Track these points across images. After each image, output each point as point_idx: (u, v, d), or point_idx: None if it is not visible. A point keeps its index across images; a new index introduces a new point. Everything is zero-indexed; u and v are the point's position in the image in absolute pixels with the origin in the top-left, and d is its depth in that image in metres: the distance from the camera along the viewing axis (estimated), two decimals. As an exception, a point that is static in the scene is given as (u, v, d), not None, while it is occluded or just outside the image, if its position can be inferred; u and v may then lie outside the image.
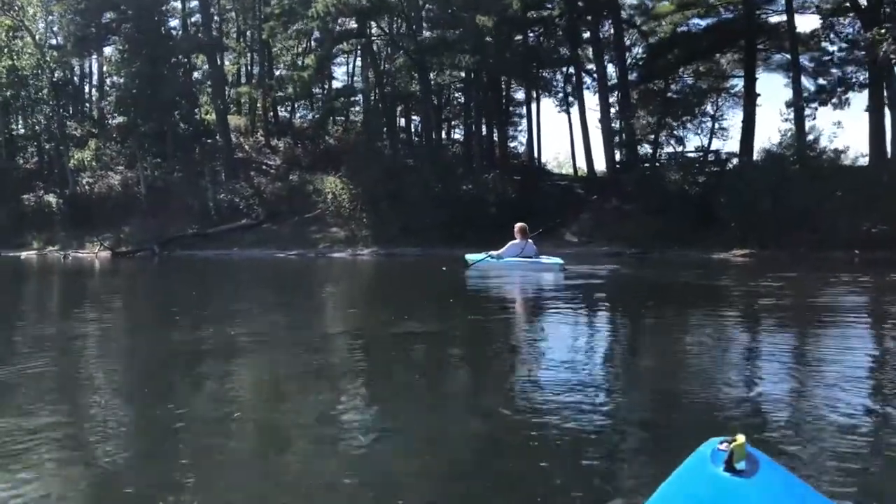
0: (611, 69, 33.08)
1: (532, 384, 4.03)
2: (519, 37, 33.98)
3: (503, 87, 36.26)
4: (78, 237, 34.59)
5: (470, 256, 14.61)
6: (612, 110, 32.14)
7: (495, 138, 35.70)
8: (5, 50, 37.44)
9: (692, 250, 21.40)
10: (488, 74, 32.84)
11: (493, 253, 14.10)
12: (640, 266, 18.21)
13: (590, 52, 35.41)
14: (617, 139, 31.35)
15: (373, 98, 37.10)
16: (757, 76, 29.06)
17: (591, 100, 34.97)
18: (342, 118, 44.28)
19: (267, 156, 40.82)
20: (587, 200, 29.20)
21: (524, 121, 39.95)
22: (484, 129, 35.97)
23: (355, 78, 42.78)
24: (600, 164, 33.28)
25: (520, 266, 13.60)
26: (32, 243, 35.69)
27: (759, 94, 28.87)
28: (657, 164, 31.79)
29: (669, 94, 33.69)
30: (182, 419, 3.25)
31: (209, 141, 39.41)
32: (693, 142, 32.67)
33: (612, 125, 31.51)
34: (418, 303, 9.52)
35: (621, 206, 26.75)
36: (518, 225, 14.18)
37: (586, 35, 34.11)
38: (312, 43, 41.27)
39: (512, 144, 39.73)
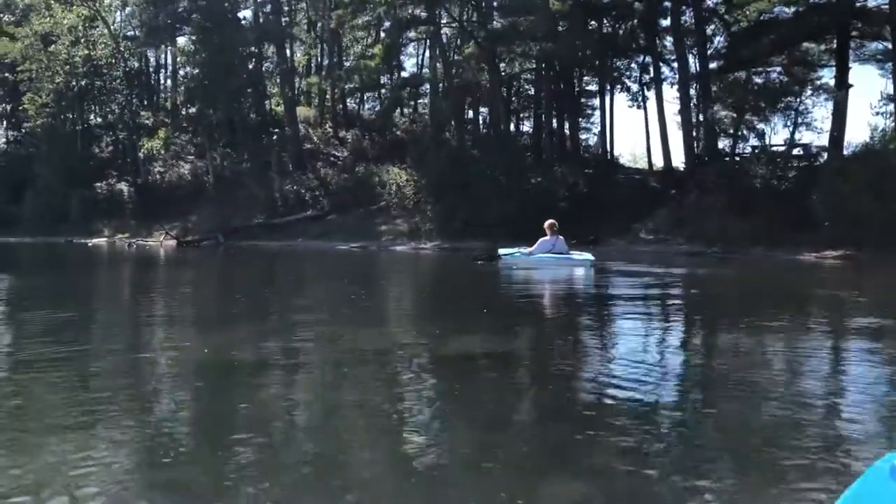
0: (690, 59, 31.38)
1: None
2: (593, 24, 32.49)
3: (575, 77, 34.87)
4: (147, 225, 34.95)
5: (502, 250, 15.12)
6: (692, 102, 30.46)
7: (566, 131, 34.32)
8: (82, 40, 38.02)
9: (779, 250, 19.80)
10: (560, 64, 31.50)
11: (524, 249, 14.61)
12: (723, 267, 16.81)
13: (667, 41, 33.82)
14: (696, 132, 29.67)
15: (441, 88, 36.21)
16: (849, 66, 27.02)
17: (668, 92, 33.35)
18: (410, 109, 43.70)
19: (335, 147, 40.54)
20: (664, 195, 27.66)
21: (596, 113, 38.57)
22: (554, 121, 34.65)
23: (424, 70, 42.13)
24: (678, 159, 31.63)
25: (550, 262, 13.94)
26: (103, 231, 36.24)
27: (851, 85, 26.82)
28: (737, 157, 30.06)
29: (752, 85, 31.83)
30: (237, 425, 3.18)
31: (277, 131, 39.31)
32: (779, 135, 30.76)
33: (692, 117, 29.82)
34: (474, 309, 8.55)
35: (701, 202, 25.14)
36: (548, 222, 14.63)
37: (664, 23, 32.54)
38: (382, 33, 40.71)
39: (583, 137, 38.38)
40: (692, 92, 30.82)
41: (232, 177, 37.20)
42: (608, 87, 36.59)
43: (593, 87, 38.24)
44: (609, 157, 35.61)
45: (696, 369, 4.69)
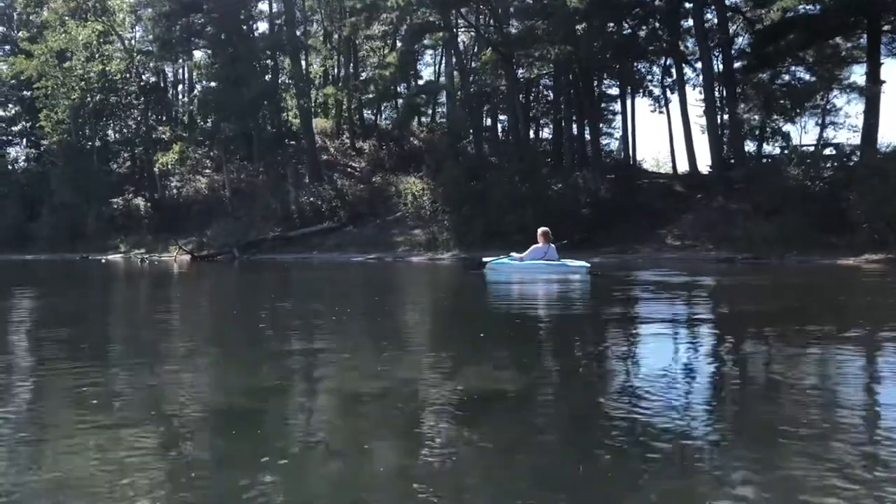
0: (713, 60, 30.38)
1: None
2: (612, 25, 31.58)
3: (595, 81, 34.01)
4: (164, 241, 34.56)
5: (487, 259, 15.14)
6: (717, 104, 29.47)
7: (587, 136, 33.44)
8: (96, 55, 37.86)
9: (815, 255, 18.75)
10: (580, 67, 30.65)
11: (515, 256, 14.46)
12: (755, 273, 15.82)
13: (689, 42, 32.90)
14: (721, 134, 28.66)
15: (458, 95, 35.53)
16: (881, 61, 25.91)
17: (690, 95, 32.44)
18: (427, 119, 43.10)
19: (351, 158, 40.08)
20: (690, 200, 26.68)
21: (618, 117, 37.75)
22: (574, 127, 33.78)
23: (441, 79, 41.54)
24: (703, 163, 30.65)
25: (544, 269, 13.64)
26: (119, 246, 35.91)
27: (884, 81, 25.70)
28: (763, 159, 29.02)
29: (779, 84, 30.82)
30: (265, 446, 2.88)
31: (292, 143, 38.86)
32: (809, 135, 29.67)
33: (717, 119, 28.82)
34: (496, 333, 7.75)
35: (729, 206, 24.14)
36: (541, 229, 14.33)
37: (685, 24, 31.66)
38: (398, 43, 40.23)
39: (605, 142, 37.58)
40: (716, 93, 29.86)
41: (248, 190, 36.76)
42: (629, 91, 35.74)
43: (614, 91, 37.45)
44: (631, 162, 34.72)
45: (735, 392, 3.86)
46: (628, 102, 35.67)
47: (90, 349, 5.60)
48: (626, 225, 24.01)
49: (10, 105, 48.25)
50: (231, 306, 10.44)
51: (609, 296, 10.35)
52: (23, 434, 3.11)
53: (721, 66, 30.12)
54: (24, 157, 49.28)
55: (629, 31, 32.64)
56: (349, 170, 38.21)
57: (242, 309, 9.69)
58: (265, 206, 34.10)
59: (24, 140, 48.96)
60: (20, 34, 43.10)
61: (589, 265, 13.53)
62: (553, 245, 14.17)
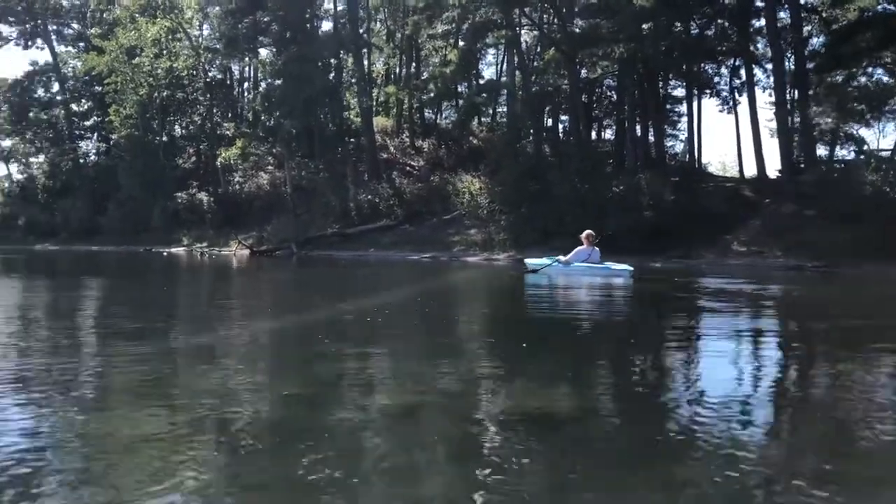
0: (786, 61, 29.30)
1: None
2: (679, 25, 30.71)
3: (660, 81, 33.14)
4: (225, 235, 35.10)
5: (530, 261, 15.24)
6: (788, 106, 28.38)
7: (650, 137, 32.60)
8: (164, 52, 38.69)
9: (893, 265, 17.78)
10: (645, 67, 29.88)
11: (561, 258, 14.45)
12: (827, 283, 15.07)
13: (759, 43, 31.80)
14: (792, 137, 27.59)
15: (518, 95, 35.09)
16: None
17: (760, 97, 31.33)
18: (487, 118, 42.79)
19: (411, 157, 40.04)
20: (758, 205, 25.72)
21: (683, 119, 36.74)
22: (638, 128, 32.96)
23: (503, 78, 41.19)
24: (772, 167, 29.54)
25: (587, 271, 13.71)
26: (183, 240, 36.60)
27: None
28: (836, 164, 27.82)
29: (854, 86, 29.53)
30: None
31: (352, 141, 39.03)
32: (888, 139, 28.37)
33: (788, 122, 27.75)
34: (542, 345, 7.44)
35: (799, 212, 23.16)
36: (586, 232, 14.40)
37: (757, 24, 30.59)
38: (460, 42, 40.06)
39: (669, 144, 36.59)
40: (787, 95, 28.75)
41: (309, 186, 37.05)
42: (696, 92, 34.72)
43: (680, 92, 36.45)
44: (697, 164, 33.71)
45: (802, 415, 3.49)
46: (694, 104, 34.66)
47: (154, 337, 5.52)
48: (689, 229, 23.24)
49: (84, 100, 49.83)
50: (287, 302, 10.40)
51: (672, 303, 9.91)
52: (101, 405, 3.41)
53: (793, 67, 29.01)
54: (94, 152, 50.86)
55: (697, 30, 31.70)
56: (408, 168, 38.18)
57: (299, 305, 9.63)
58: (324, 203, 34.32)
59: (96, 135, 50.50)
60: (92, 31, 44.41)
61: (632, 269, 13.51)
62: (597, 248, 14.27)
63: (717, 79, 35.51)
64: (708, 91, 35.31)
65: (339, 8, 40.93)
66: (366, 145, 37.31)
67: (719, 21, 31.17)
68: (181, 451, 2.72)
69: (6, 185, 54.35)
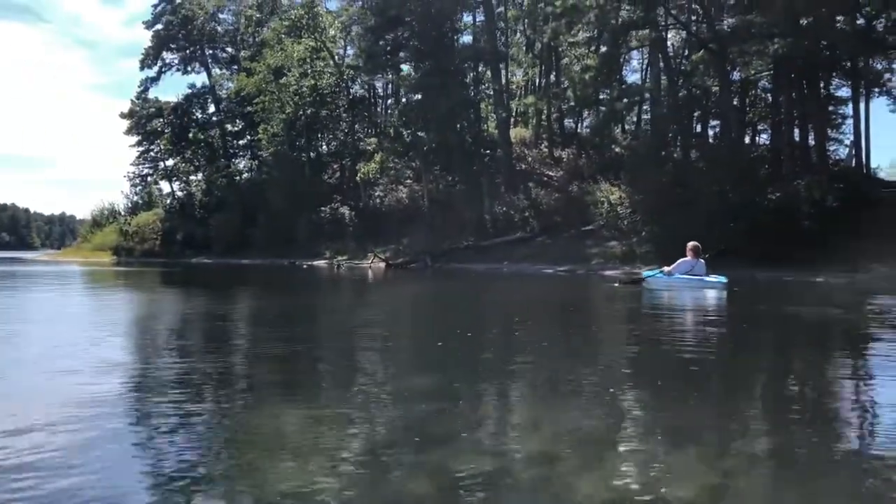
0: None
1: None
2: (842, 18, 28.00)
3: (821, 80, 30.36)
4: (364, 248, 35.60)
5: (645, 272, 15.61)
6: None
7: (810, 141, 29.86)
8: (309, 71, 39.94)
9: None
10: (803, 65, 27.41)
11: (665, 269, 14.61)
12: None
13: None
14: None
15: (664, 99, 33.32)
16: None
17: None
18: (631, 126, 41.08)
19: (549, 167, 39.08)
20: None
21: (848, 121, 33.51)
22: (796, 131, 30.33)
23: (647, 83, 39.40)
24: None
25: (687, 283, 13.79)
26: (325, 253, 37.46)
27: None
28: None
29: None
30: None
31: (489, 153, 38.62)
32: None
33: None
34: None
35: None
36: (691, 244, 14.41)
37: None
38: (602, 48, 38.73)
39: (832, 148, 33.46)
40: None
41: (446, 199, 36.96)
42: (863, 91, 31.58)
43: (845, 92, 33.31)
44: (864, 170, 30.59)
45: None
46: (861, 104, 31.51)
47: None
48: (855, 240, 20.89)
49: (237, 119, 52.58)
50: (423, 317, 10.49)
51: (838, 323, 8.52)
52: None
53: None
54: (246, 169, 53.51)
55: (863, 22, 28.76)
56: (545, 179, 37.23)
57: (436, 318, 9.61)
58: (460, 216, 34.04)
59: (248, 152, 53.14)
60: (242, 53, 46.73)
61: (726, 280, 13.54)
62: (702, 260, 14.25)
63: (887, 75, 32.20)
64: (877, 90, 32.07)
65: (479, 20, 40.79)
66: (502, 157, 36.75)
67: (890, 11, 28.16)
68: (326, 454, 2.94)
69: (168, 201, 58.13)
